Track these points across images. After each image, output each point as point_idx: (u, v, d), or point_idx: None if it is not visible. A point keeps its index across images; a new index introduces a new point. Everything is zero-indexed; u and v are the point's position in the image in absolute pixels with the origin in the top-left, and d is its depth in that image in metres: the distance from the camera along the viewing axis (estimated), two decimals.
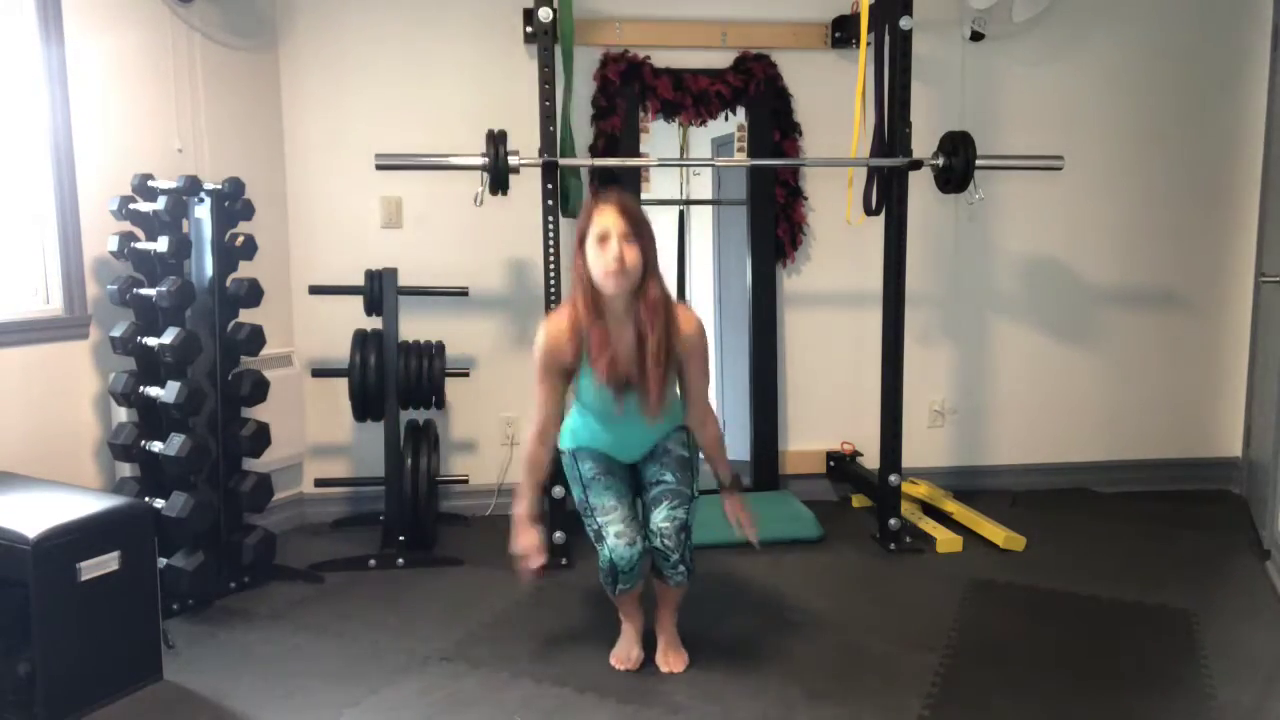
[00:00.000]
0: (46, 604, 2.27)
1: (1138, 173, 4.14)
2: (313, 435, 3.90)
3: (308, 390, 3.84)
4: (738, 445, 4.49)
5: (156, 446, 2.87)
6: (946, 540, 3.49)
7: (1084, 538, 3.62)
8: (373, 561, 3.36)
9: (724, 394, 4.86)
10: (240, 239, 3.20)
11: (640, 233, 2.38)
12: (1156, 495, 4.15)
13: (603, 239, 2.35)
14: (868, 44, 3.49)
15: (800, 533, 3.61)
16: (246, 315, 3.21)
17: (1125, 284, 4.20)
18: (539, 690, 2.47)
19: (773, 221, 4.00)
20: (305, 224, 3.86)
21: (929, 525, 3.63)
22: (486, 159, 3.22)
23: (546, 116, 3.24)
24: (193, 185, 3.03)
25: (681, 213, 4.91)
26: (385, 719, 2.35)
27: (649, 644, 2.64)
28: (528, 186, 3.43)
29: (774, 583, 3.19)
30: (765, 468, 4.07)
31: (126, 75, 3.20)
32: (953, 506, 3.77)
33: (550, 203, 3.26)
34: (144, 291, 2.95)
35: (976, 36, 3.96)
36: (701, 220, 5.06)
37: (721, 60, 3.94)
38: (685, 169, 4.94)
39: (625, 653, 2.61)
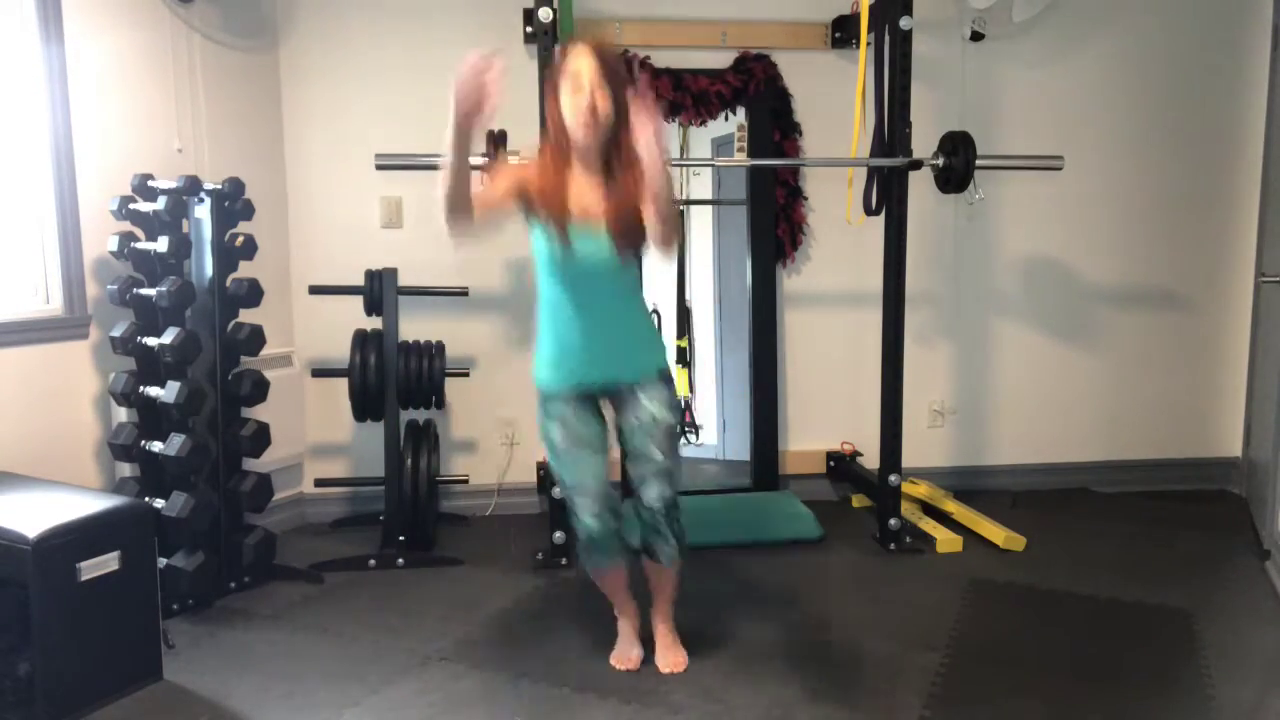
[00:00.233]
0: (46, 604, 2.27)
1: (1137, 172, 4.14)
2: (313, 435, 3.90)
3: (308, 390, 3.84)
4: (738, 445, 4.51)
5: (156, 446, 2.88)
6: (946, 540, 3.49)
7: (1084, 538, 3.62)
8: (373, 561, 3.36)
9: (724, 394, 4.86)
10: (240, 239, 3.20)
11: (615, 79, 2.25)
12: (1156, 495, 4.15)
13: (575, 84, 2.25)
14: (868, 44, 3.49)
15: (800, 533, 3.61)
16: (246, 315, 3.21)
17: (1125, 284, 4.20)
18: (539, 690, 2.47)
19: (773, 221, 4.01)
20: (305, 224, 3.86)
21: (929, 525, 3.63)
22: (486, 159, 3.21)
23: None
24: (193, 185, 3.03)
25: (681, 213, 4.91)
26: (385, 719, 2.35)
27: (650, 644, 2.64)
28: None
29: (774, 583, 3.19)
30: (765, 468, 4.07)
31: (126, 75, 3.20)
32: (953, 506, 3.77)
33: None
34: (144, 291, 2.95)
35: (976, 37, 3.96)
36: (701, 220, 5.06)
37: (721, 60, 3.94)
38: (685, 169, 4.94)
39: (624, 653, 2.61)
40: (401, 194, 3.84)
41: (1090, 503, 4.09)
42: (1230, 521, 3.82)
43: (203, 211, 3.10)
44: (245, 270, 3.22)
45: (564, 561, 3.31)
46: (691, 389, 4.98)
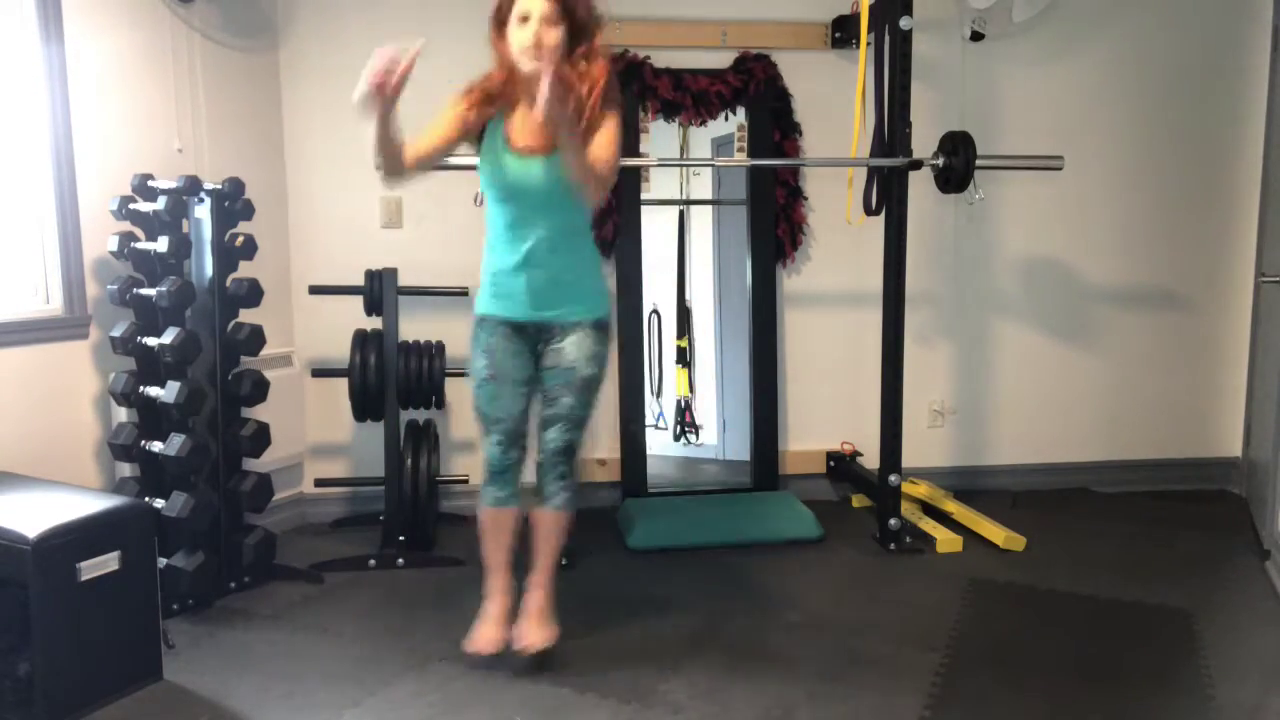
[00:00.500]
0: (46, 604, 2.26)
1: (1137, 172, 4.15)
2: (313, 435, 3.90)
3: (308, 390, 3.84)
4: (738, 445, 4.51)
5: (156, 446, 2.87)
6: (946, 540, 3.49)
7: (1084, 538, 3.62)
8: (373, 561, 3.36)
9: (724, 394, 4.86)
10: (240, 239, 3.20)
11: (563, 17, 2.31)
12: (1156, 495, 4.15)
13: (523, 19, 2.31)
14: (868, 44, 3.49)
15: (800, 533, 3.61)
16: (246, 315, 3.21)
17: (1125, 284, 4.20)
18: (539, 690, 2.47)
19: (773, 221, 4.00)
20: (305, 224, 3.86)
21: (929, 525, 3.63)
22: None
23: None
24: (193, 185, 3.03)
25: (681, 213, 4.91)
26: (385, 719, 2.35)
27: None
28: None
29: (774, 583, 3.19)
30: (765, 468, 4.07)
31: (126, 75, 3.20)
32: (953, 506, 3.77)
33: None
34: (144, 291, 2.95)
35: (976, 37, 3.96)
36: (701, 220, 5.06)
37: (721, 60, 3.94)
38: (685, 169, 4.94)
39: (486, 633, 2.56)
40: (401, 194, 3.84)
41: (1090, 503, 4.10)
42: (1230, 521, 3.82)
43: (203, 211, 3.10)
44: (245, 270, 3.22)
45: (564, 562, 3.31)
46: (691, 389, 4.98)
